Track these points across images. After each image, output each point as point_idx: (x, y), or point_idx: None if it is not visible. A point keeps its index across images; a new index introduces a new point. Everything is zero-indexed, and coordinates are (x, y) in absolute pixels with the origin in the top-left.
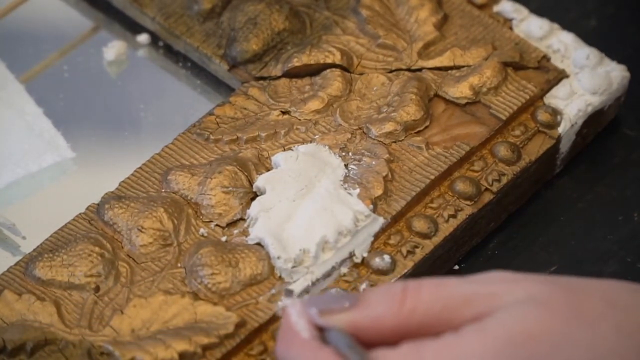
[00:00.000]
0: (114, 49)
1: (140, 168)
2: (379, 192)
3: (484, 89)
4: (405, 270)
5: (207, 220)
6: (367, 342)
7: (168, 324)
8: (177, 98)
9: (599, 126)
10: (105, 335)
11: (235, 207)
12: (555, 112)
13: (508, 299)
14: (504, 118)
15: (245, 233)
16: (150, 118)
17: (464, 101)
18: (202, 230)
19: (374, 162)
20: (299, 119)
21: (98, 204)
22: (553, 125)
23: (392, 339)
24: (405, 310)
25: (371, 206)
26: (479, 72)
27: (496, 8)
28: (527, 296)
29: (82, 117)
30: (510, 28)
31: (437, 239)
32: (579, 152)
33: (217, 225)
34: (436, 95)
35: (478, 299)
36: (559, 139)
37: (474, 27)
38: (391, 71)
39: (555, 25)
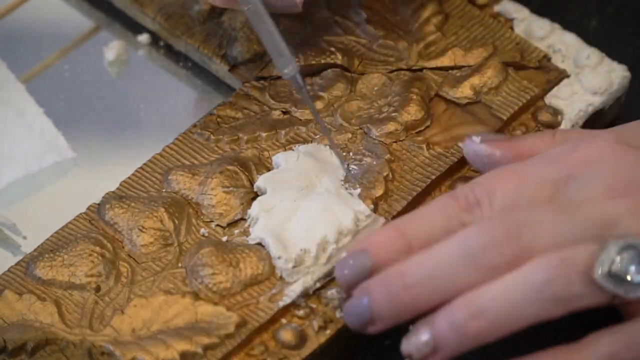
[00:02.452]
0: (114, 49)
1: (141, 168)
2: (380, 192)
3: (485, 89)
4: None
5: (208, 220)
6: None
7: (169, 324)
8: (178, 98)
9: (600, 126)
10: (105, 335)
11: (236, 207)
12: (556, 112)
13: None
14: (504, 118)
15: (246, 233)
16: (150, 118)
17: (464, 101)
18: (202, 230)
19: (374, 162)
20: (300, 119)
21: (99, 204)
22: (554, 125)
23: None
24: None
25: (372, 206)
26: (479, 72)
27: (497, 8)
28: None
29: (83, 117)
30: (511, 28)
31: None
32: None
33: (217, 225)
34: (437, 95)
35: None
36: None
37: (474, 27)
38: (392, 71)
39: (556, 25)
